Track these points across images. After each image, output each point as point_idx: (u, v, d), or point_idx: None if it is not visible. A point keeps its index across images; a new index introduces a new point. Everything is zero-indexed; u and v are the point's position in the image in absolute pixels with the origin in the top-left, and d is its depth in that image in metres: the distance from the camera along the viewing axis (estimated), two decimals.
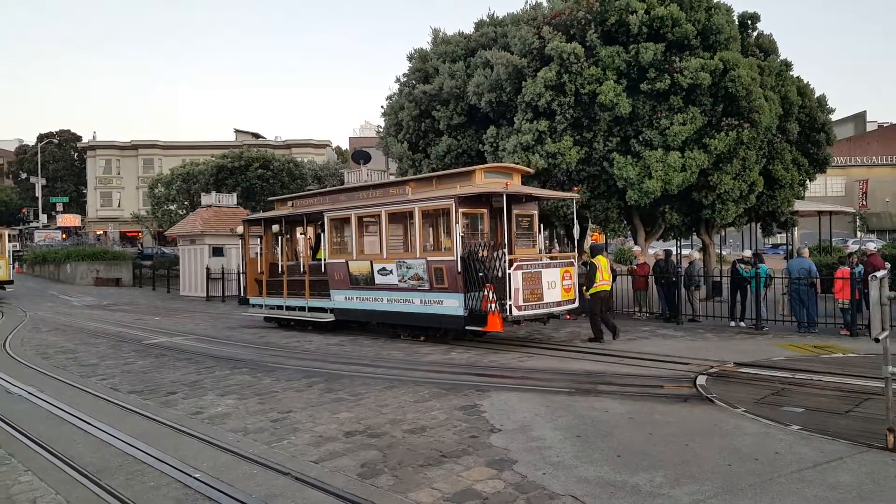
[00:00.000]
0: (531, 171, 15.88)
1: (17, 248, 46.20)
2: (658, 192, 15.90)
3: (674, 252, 21.44)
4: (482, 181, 13.27)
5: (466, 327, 12.68)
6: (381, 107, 22.41)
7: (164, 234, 40.92)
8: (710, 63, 15.75)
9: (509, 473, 5.78)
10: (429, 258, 13.24)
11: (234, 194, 33.29)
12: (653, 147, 16.04)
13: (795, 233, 29.45)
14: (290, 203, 17.80)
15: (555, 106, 16.48)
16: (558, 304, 12.98)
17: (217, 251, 28.71)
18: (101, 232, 65.86)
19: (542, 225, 15.79)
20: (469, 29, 21.57)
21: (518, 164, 16.67)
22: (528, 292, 12.28)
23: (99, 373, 11.19)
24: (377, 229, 14.59)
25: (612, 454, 6.25)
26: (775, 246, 46.41)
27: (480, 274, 12.36)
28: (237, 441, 6.95)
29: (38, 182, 64.87)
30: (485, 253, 12.50)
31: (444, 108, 19.60)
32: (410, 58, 21.81)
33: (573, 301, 13.35)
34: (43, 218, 65.81)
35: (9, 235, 28.73)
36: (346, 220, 15.18)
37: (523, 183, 14.82)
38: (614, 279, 15.85)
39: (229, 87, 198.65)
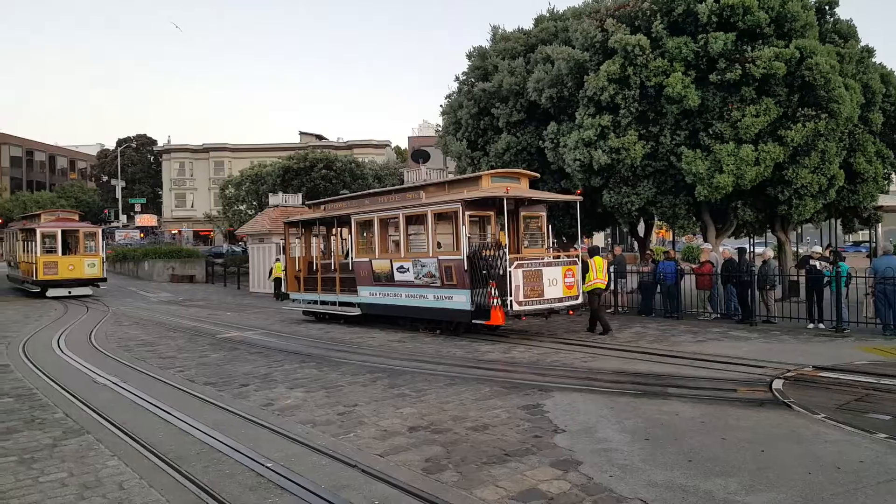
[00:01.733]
0: (537, 175, 16.41)
1: None
2: (729, 187, 15.38)
3: (747, 250, 20.73)
4: (488, 186, 14.03)
5: (473, 321, 13.53)
6: (440, 105, 22.58)
7: (235, 233, 42.33)
8: (784, 52, 15.11)
9: (575, 475, 5.72)
10: (440, 257, 14.18)
11: (300, 194, 34.11)
12: (724, 140, 15.53)
13: (879, 229, 27.93)
14: (322, 206, 19.25)
15: (618, 100, 16.17)
16: (559, 300, 13.72)
17: (284, 249, 29.49)
18: (176, 231, 68.70)
19: (583, 224, 16.71)
20: (529, 25, 21.43)
21: (579, 159, 16.47)
22: (528, 289, 13.12)
23: (176, 365, 11.70)
24: (397, 230, 15.63)
25: (683, 458, 6.09)
26: (857, 243, 44.14)
27: (484, 272, 13.22)
28: (306, 433, 7.14)
29: (118, 184, 68.16)
30: (488, 252, 13.38)
31: (503, 106, 19.53)
32: (469, 56, 21.84)
33: (576, 297, 14.09)
34: (123, 218, 69.07)
35: (102, 234, 30.27)
36: (370, 223, 16.16)
37: (532, 186, 15.58)
38: (680, 277, 16.45)
39: (293, 89, 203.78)
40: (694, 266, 17.24)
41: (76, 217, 31.60)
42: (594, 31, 16.90)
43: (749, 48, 15.34)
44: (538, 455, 6.24)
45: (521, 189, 14.62)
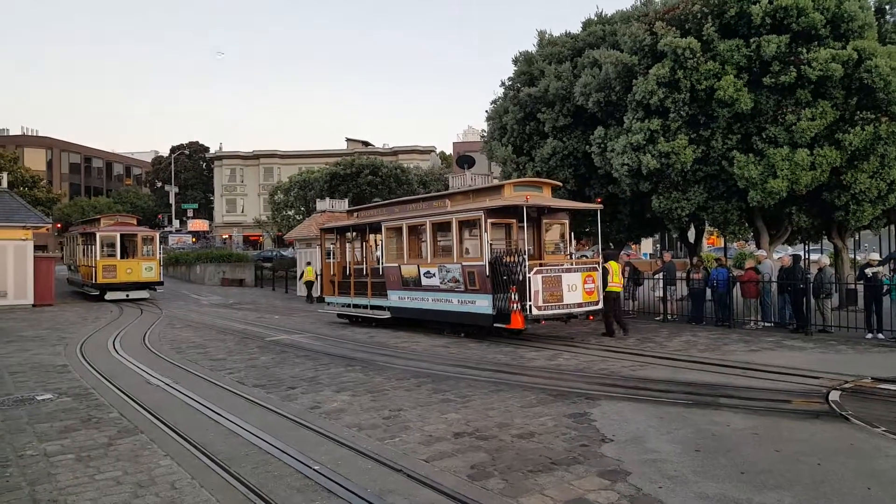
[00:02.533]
0: (559, 184, 16.89)
1: None
2: (784, 192, 14.94)
3: (802, 257, 20.07)
4: (510, 194, 14.50)
5: (494, 325, 13.93)
6: (486, 111, 22.59)
7: (283, 238, 43.11)
8: (841, 53, 14.61)
9: (623, 485, 5.62)
10: (463, 263, 14.69)
11: (346, 200, 34.57)
12: (777, 144, 15.10)
13: None
14: (356, 214, 20.02)
15: (668, 104, 15.90)
16: (579, 305, 14.08)
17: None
18: (227, 236, 70.36)
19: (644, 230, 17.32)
20: (576, 29, 21.28)
21: (627, 164, 16.25)
22: (547, 294, 13.49)
23: (227, 367, 11.95)
24: (424, 237, 16.09)
25: (735, 470, 5.92)
26: None
27: (505, 277, 13.64)
28: (352, 436, 7.20)
29: (172, 190, 70.28)
30: (509, 259, 13.75)
31: (549, 110, 19.42)
32: (516, 61, 21.81)
33: (596, 303, 14.39)
34: (176, 223, 71.13)
35: (159, 238, 31.15)
36: (399, 229, 16.76)
37: (554, 194, 16.20)
38: (733, 284, 16.05)
39: (341, 96, 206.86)
40: (737, 272, 16.76)
41: (134, 221, 32.40)
42: (643, 35, 16.68)
43: (804, 50, 14.90)
44: (585, 464, 6.16)
45: (543, 198, 15.13)
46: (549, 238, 16.01)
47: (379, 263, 17.92)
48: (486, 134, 23.35)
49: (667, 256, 20.22)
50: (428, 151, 70.94)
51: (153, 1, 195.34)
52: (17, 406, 8.90)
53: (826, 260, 16.97)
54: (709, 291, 17.10)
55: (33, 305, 25.01)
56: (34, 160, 73.60)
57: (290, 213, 42.19)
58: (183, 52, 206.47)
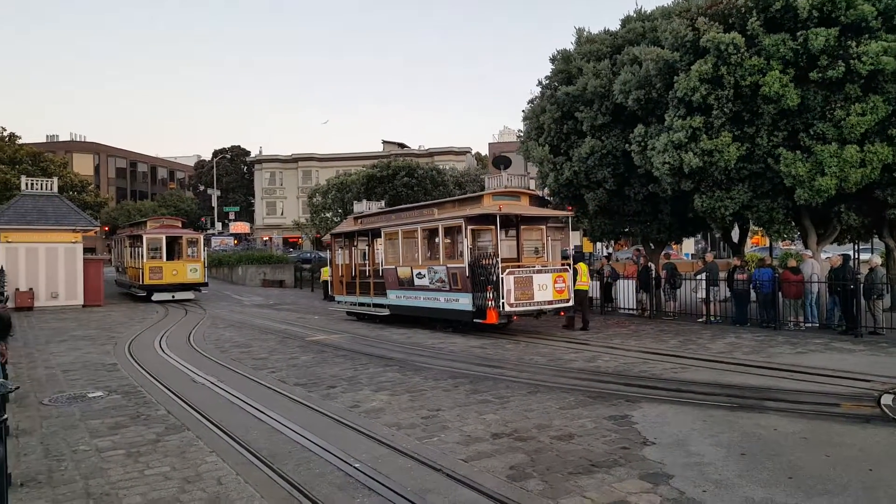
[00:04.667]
0: (538, 192, 18.54)
1: None
2: (832, 190, 14.49)
3: (851, 257, 19.47)
4: (489, 204, 16.03)
5: (474, 320, 15.44)
6: (522, 111, 22.44)
7: (321, 240, 43.59)
8: (893, 46, 14.10)
9: (666, 489, 5.54)
10: (448, 265, 16.28)
11: (383, 202, 34.74)
12: (826, 141, 14.65)
13: None
14: (361, 220, 21.69)
15: (711, 100, 15.57)
16: (549, 302, 15.58)
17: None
18: (267, 238, 71.57)
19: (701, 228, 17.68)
20: (615, 27, 21.02)
21: (668, 162, 16.01)
22: (519, 293, 15.03)
23: (269, 366, 12.16)
24: (416, 242, 17.71)
25: (783, 475, 5.78)
26: None
27: (482, 278, 15.22)
28: (391, 435, 7.26)
29: (214, 193, 71.78)
30: (486, 261, 15.44)
31: (587, 109, 19.21)
32: (553, 59, 21.62)
33: (566, 300, 15.89)
34: (218, 225, 72.65)
35: (203, 241, 31.81)
36: (396, 234, 18.44)
37: (532, 203, 17.94)
38: (778, 285, 15.61)
39: (377, 99, 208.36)
40: (781, 271, 16.33)
41: (179, 224, 33.08)
42: (685, 31, 16.36)
43: (854, 43, 14.41)
44: (626, 467, 6.09)
45: (520, 206, 16.85)
46: (528, 243, 17.62)
47: (379, 266, 19.72)
48: (522, 134, 23.20)
49: (709, 257, 19.84)
50: (464, 153, 70.95)
51: (194, 8, 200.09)
52: (70, 403, 9.22)
53: (878, 259, 16.45)
54: (753, 293, 16.73)
55: (83, 306, 25.82)
56: (82, 165, 76.09)
57: (327, 215, 42.60)
58: (225, 58, 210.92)
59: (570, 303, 15.96)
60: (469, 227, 15.86)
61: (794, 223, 17.37)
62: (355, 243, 21.75)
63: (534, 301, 15.30)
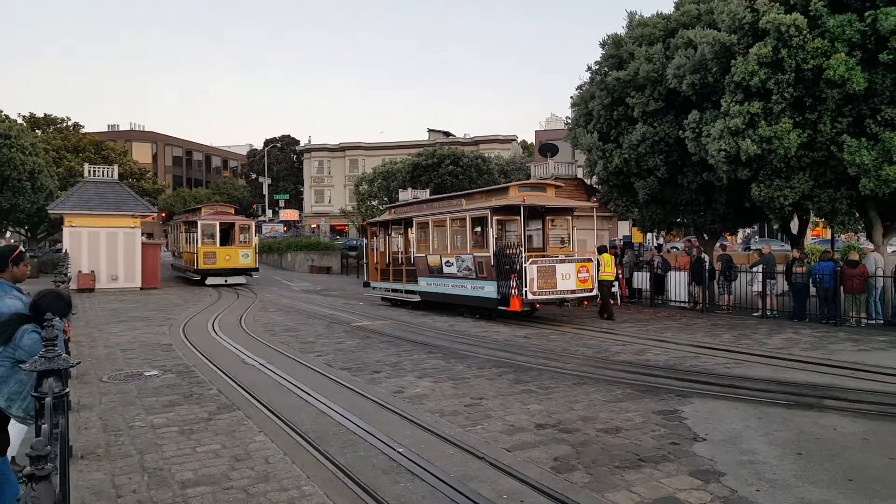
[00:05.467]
0: (562, 184, 19.14)
1: None
2: None
3: None
4: (515, 195, 16.49)
5: (498, 307, 15.87)
6: (571, 97, 22.01)
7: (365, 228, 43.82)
8: None
9: (716, 486, 5.36)
10: (475, 254, 16.80)
11: (427, 190, 34.72)
12: (894, 127, 13.92)
13: None
14: (394, 210, 22.62)
15: (770, 85, 14.95)
16: (572, 292, 15.89)
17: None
18: (315, 225, 72.57)
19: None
20: (668, 9, 20.39)
21: (724, 149, 15.50)
22: (542, 281, 15.34)
23: (316, 349, 12.32)
24: (445, 231, 18.42)
25: (842, 477, 5.52)
26: None
27: (506, 267, 15.59)
28: (434, 421, 7.24)
29: (265, 181, 73.18)
30: (510, 251, 15.89)
31: (639, 94, 18.72)
32: (603, 44, 21.13)
33: (590, 290, 16.16)
34: (269, 213, 74.07)
35: (254, 227, 32.51)
36: (426, 224, 19.16)
37: (559, 194, 18.56)
38: (839, 279, 14.92)
39: (423, 87, 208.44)
40: (842, 265, 15.65)
41: (232, 211, 33.76)
42: (743, 12, 15.74)
43: None
44: (675, 463, 5.92)
45: (545, 198, 17.23)
46: (554, 233, 18.16)
47: (411, 254, 20.32)
48: (570, 121, 22.81)
49: (765, 249, 19.15)
50: (509, 140, 70.31)
51: (246, 3, 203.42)
52: (127, 381, 9.54)
53: None
54: (812, 287, 16.09)
55: (141, 288, 26.76)
56: (141, 154, 78.55)
57: (373, 203, 42.88)
58: (275, 50, 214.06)
59: (594, 292, 16.28)
60: (495, 218, 16.41)
61: (858, 214, 16.61)
62: (390, 232, 22.50)
63: (556, 290, 15.62)
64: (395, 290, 21.15)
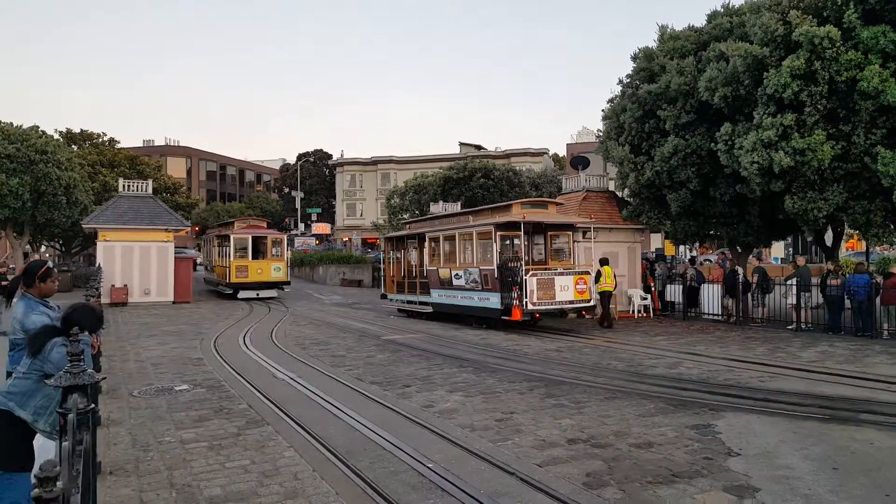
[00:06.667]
0: (562, 202, 21.00)
1: None
2: None
3: None
4: (518, 212, 17.51)
5: (502, 317, 16.80)
6: (602, 110, 21.99)
7: None
8: None
9: (751, 502, 5.29)
10: (481, 267, 17.81)
11: (459, 203, 34.83)
12: None
13: None
14: (408, 226, 24.35)
15: (803, 97, 14.77)
16: (570, 303, 16.79)
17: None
18: (347, 239, 73.18)
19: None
20: (700, 23, 20.28)
21: (757, 162, 15.33)
22: (541, 293, 16.24)
23: (346, 363, 12.38)
24: (454, 245, 19.63)
25: (879, 492, 5.41)
26: None
27: (509, 279, 16.55)
28: (465, 436, 7.23)
29: (298, 195, 74.09)
30: (512, 264, 16.91)
31: (670, 107, 18.62)
32: (634, 58, 21.09)
33: (587, 301, 17.05)
34: (301, 226, 74.93)
35: (286, 241, 32.77)
36: (438, 239, 20.33)
37: (560, 211, 19.98)
38: (875, 292, 14.75)
39: (455, 101, 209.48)
40: (880, 278, 15.29)
41: (264, 225, 34.06)
42: (775, 25, 15.60)
43: None
44: (709, 478, 5.85)
45: (546, 214, 18.70)
46: (555, 247, 19.49)
47: (424, 267, 21.31)
48: (601, 134, 22.73)
49: (800, 261, 18.81)
50: (540, 154, 70.26)
51: (279, 19, 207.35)
52: (157, 395, 9.63)
53: None
54: (847, 300, 15.76)
55: (173, 302, 27.08)
56: (175, 168, 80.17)
57: (405, 216, 43.13)
58: (309, 65, 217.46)
59: (591, 303, 17.21)
60: (498, 233, 17.45)
61: (893, 227, 16.25)
62: (406, 246, 23.47)
63: (555, 301, 16.54)
64: (409, 302, 22.19)
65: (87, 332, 4.34)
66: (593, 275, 17.54)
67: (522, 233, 17.29)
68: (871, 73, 13.74)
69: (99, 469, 5.96)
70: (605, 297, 17.93)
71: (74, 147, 45.62)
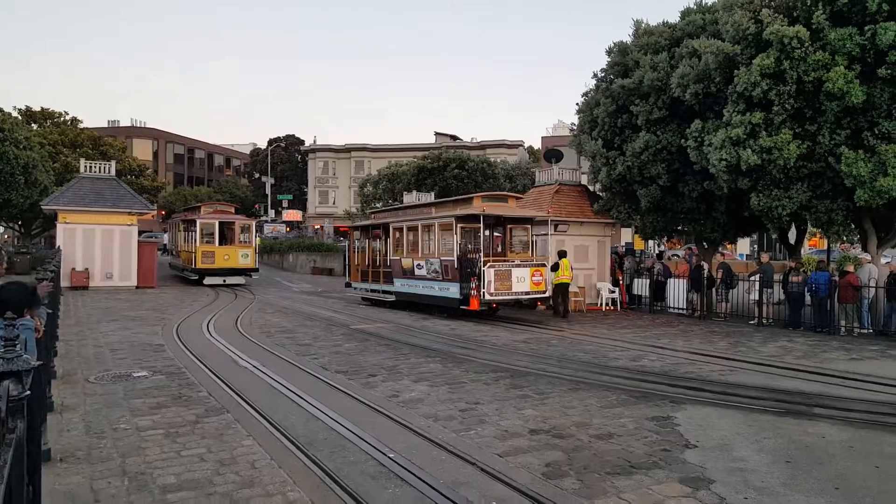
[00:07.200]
0: (521, 196, 21.48)
1: None
2: (894, 191, 13.79)
3: None
4: (478, 205, 18.00)
5: (460, 307, 17.35)
6: (576, 104, 22.05)
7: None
8: None
9: (705, 493, 5.37)
10: (441, 258, 18.33)
11: (432, 193, 34.72)
12: (891, 140, 13.95)
13: None
14: (373, 216, 24.78)
15: (772, 96, 14.99)
16: (526, 293, 17.40)
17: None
18: (318, 226, 72.52)
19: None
20: (674, 19, 20.44)
21: (725, 159, 15.54)
22: (498, 283, 16.84)
23: (312, 352, 12.28)
24: (416, 236, 19.92)
25: (829, 485, 5.54)
26: None
27: (468, 270, 17.22)
28: (428, 426, 7.23)
29: (268, 181, 73.15)
30: (471, 255, 18.01)
31: (643, 103, 18.76)
32: (609, 52, 21.17)
33: (543, 292, 17.70)
34: (271, 213, 74.02)
35: (255, 227, 32.25)
36: (401, 229, 20.72)
37: (519, 205, 20.27)
38: (835, 289, 14.76)
39: (432, 91, 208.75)
40: (839, 277, 15.68)
41: (232, 210, 33.49)
42: (746, 23, 15.77)
43: None
44: (666, 469, 5.93)
45: (506, 208, 18.97)
46: (515, 240, 19.85)
47: (388, 257, 21.73)
48: (575, 127, 22.83)
49: (764, 258, 19.21)
50: (516, 146, 70.40)
51: (254, 6, 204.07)
52: (115, 381, 9.42)
53: None
54: (808, 296, 16.14)
55: (136, 287, 26.56)
56: (141, 150, 78.44)
57: (378, 205, 42.92)
58: (282, 49, 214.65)
59: (547, 294, 17.83)
60: (459, 225, 18.05)
61: (853, 225, 16.64)
62: (370, 236, 23.93)
63: (512, 291, 17.12)
64: (373, 291, 22.67)
65: (28, 316, 4.19)
66: (549, 266, 18.14)
67: (482, 225, 17.86)
68: (837, 74, 14.00)
69: (48, 456, 5.81)
70: (562, 288, 18.53)
71: (34, 126, 44.33)
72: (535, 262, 18.14)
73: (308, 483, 5.57)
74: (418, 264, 19.41)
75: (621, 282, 21.71)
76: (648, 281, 20.74)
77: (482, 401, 8.45)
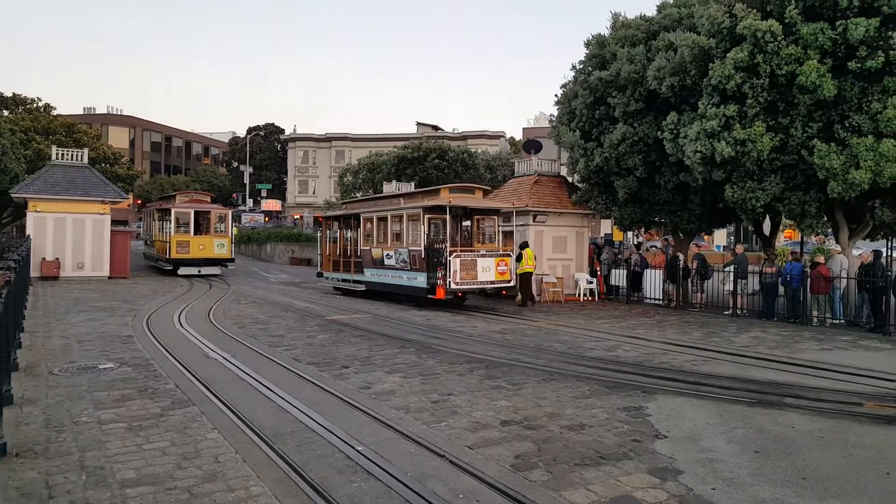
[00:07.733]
0: (490, 188, 22.08)
1: None
2: (866, 184, 13.96)
3: (884, 253, 18.87)
4: (446, 196, 18.54)
5: (427, 296, 17.67)
6: (556, 95, 22.03)
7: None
8: None
9: (673, 484, 5.37)
10: (410, 248, 18.59)
11: (412, 183, 34.54)
12: (861, 133, 14.11)
13: None
14: (345, 206, 25.17)
15: (745, 89, 15.07)
16: (491, 283, 17.90)
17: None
18: (298, 216, 71.86)
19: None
20: (651, 12, 20.46)
21: (700, 151, 15.62)
22: (464, 273, 17.24)
23: (285, 344, 12.13)
24: (386, 227, 20.34)
25: (796, 475, 5.57)
26: None
27: (435, 260, 17.51)
28: (399, 418, 7.16)
29: (247, 170, 72.30)
30: (438, 245, 18.10)
31: (620, 95, 18.79)
32: (587, 44, 21.17)
33: (508, 282, 18.24)
34: (250, 202, 73.21)
35: (231, 216, 31.82)
36: (371, 219, 21.02)
37: (486, 197, 20.99)
38: (807, 280, 15.10)
39: (414, 80, 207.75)
40: (810, 268, 15.88)
41: (208, 199, 33.08)
42: (721, 17, 15.83)
43: (894, 34, 13.79)
44: (635, 460, 5.92)
45: (471, 199, 19.38)
46: (483, 230, 20.41)
47: (359, 246, 21.96)
48: (554, 119, 22.82)
49: (739, 249, 19.37)
50: (497, 137, 70.33)
51: None
52: (79, 373, 9.18)
53: None
54: (782, 287, 16.32)
55: (109, 277, 26.09)
56: (118, 138, 77.18)
57: (358, 195, 42.63)
58: (262, 37, 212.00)
59: (511, 283, 18.30)
60: (427, 216, 18.38)
61: (826, 217, 16.84)
62: (342, 226, 24.07)
63: (477, 281, 17.56)
64: (344, 280, 22.99)
65: None
66: (514, 257, 18.62)
67: (448, 216, 18.18)
68: (809, 68, 14.10)
69: (3, 451, 5.64)
70: (526, 278, 19.01)
71: (5, 112, 43.30)
72: (500, 253, 18.57)
73: (272, 477, 5.46)
74: (388, 254, 19.62)
75: (599, 272, 21.81)
76: (626, 272, 20.86)
77: (455, 392, 8.40)
